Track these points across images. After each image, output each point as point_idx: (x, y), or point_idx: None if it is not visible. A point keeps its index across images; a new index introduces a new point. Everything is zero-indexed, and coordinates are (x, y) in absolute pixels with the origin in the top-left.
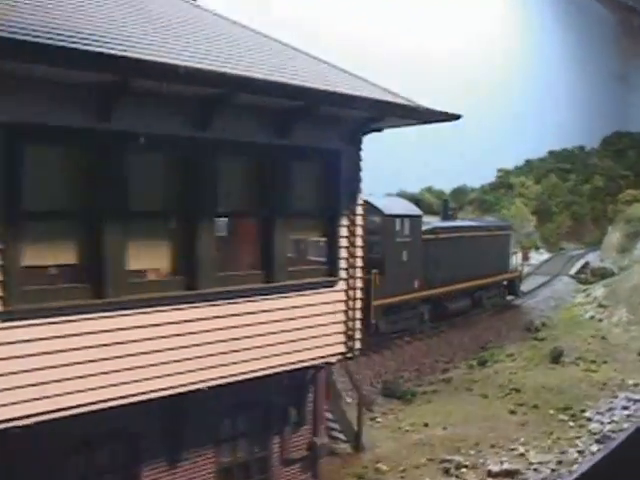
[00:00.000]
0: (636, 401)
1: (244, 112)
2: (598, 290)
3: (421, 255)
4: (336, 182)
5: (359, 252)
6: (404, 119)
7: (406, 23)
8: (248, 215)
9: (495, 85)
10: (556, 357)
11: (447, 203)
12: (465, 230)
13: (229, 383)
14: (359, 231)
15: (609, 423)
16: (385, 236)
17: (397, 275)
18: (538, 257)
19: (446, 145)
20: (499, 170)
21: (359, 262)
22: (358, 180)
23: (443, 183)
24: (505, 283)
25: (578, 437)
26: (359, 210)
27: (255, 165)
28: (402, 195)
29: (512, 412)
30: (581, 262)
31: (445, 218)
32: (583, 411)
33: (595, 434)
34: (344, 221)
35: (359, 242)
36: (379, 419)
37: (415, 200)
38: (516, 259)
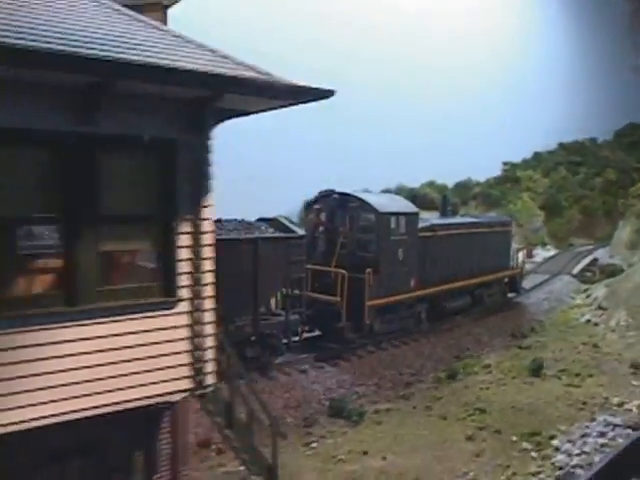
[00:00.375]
0: (615, 426)
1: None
2: (599, 290)
3: (418, 253)
4: (170, 180)
5: (207, 265)
6: (260, 97)
7: None
8: (43, 221)
9: (504, 75)
10: (536, 369)
11: (446, 199)
12: (464, 226)
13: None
14: (207, 240)
15: (578, 455)
16: (380, 234)
17: (392, 274)
18: (544, 254)
19: (451, 138)
20: (505, 163)
21: (208, 278)
22: (206, 178)
23: (447, 177)
24: (506, 280)
25: (538, 473)
26: (207, 214)
27: (48, 159)
28: (400, 190)
29: (469, 438)
30: (588, 259)
31: (444, 214)
32: (552, 438)
33: (559, 469)
34: (185, 228)
35: (207, 253)
36: (315, 444)
37: (413, 195)
38: (518, 256)
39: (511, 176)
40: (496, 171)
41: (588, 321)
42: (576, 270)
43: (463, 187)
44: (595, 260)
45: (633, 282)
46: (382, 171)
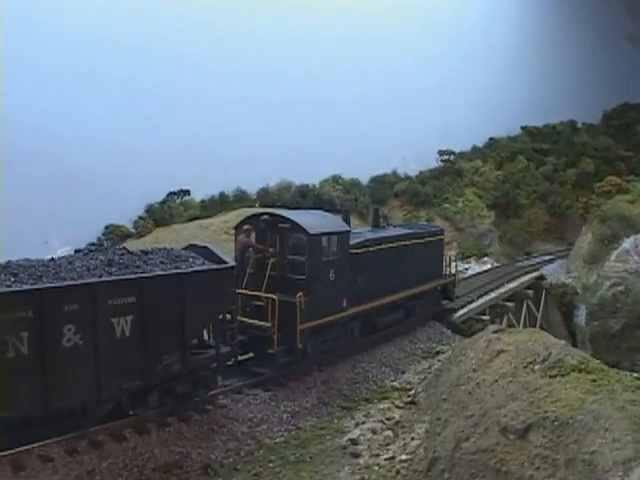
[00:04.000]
0: None
1: None
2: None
3: (349, 272)
4: None
5: None
6: None
7: None
8: None
9: (452, 45)
10: None
11: (378, 211)
12: (395, 240)
13: None
14: None
15: None
16: (310, 256)
17: (324, 295)
18: (475, 268)
19: (371, 122)
20: (442, 152)
21: None
22: None
23: (360, 170)
24: (439, 289)
25: None
26: None
27: None
28: (285, 186)
29: None
30: (525, 279)
31: (375, 227)
32: None
33: None
34: None
35: None
36: None
37: (315, 195)
38: (450, 264)
39: (451, 168)
40: (433, 162)
41: (346, 450)
42: (471, 308)
43: (381, 182)
44: (540, 279)
45: (454, 373)
46: (265, 166)
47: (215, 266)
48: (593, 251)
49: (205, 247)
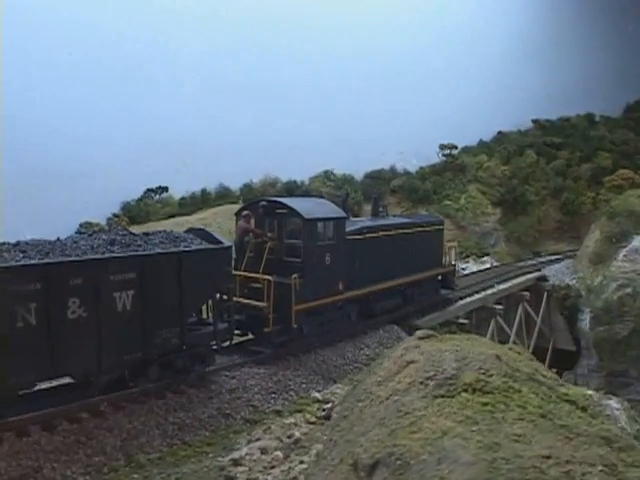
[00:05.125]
0: None
1: None
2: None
3: (346, 257)
4: None
5: None
6: None
7: None
8: None
9: (457, 31)
10: None
11: (377, 201)
12: (394, 228)
13: None
14: None
15: None
16: (306, 240)
17: (319, 278)
18: (472, 268)
19: (368, 114)
20: (443, 147)
21: None
22: None
23: (355, 166)
24: (439, 278)
25: None
26: None
27: None
28: (270, 182)
29: None
30: (519, 280)
31: (375, 216)
32: None
33: None
34: None
35: None
36: None
37: (304, 192)
38: (450, 254)
39: (453, 163)
40: (435, 157)
41: (231, 463)
42: (449, 310)
43: (376, 178)
44: (541, 280)
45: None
46: (250, 160)
47: (212, 246)
48: (600, 250)
49: (203, 229)
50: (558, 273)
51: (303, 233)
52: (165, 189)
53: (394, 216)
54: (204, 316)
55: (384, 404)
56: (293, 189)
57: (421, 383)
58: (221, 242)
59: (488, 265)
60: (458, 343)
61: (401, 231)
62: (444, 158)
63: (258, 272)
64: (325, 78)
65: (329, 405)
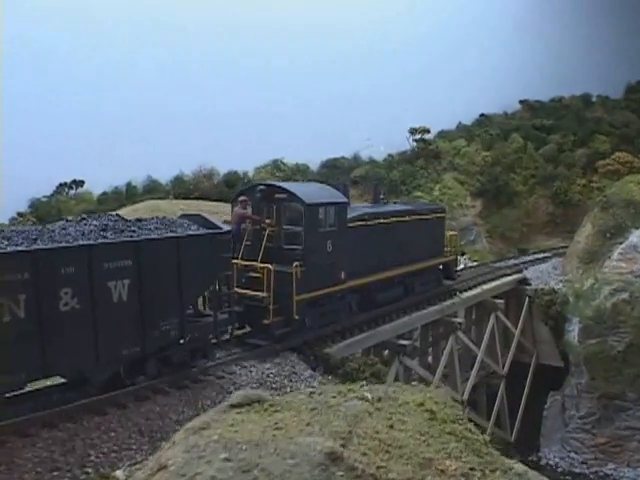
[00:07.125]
0: None
1: None
2: None
3: (348, 244)
4: None
5: None
6: None
7: None
8: None
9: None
10: None
11: (377, 187)
12: (396, 215)
13: None
14: None
15: None
16: (307, 227)
17: (321, 267)
18: None
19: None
20: (413, 131)
21: None
22: None
23: (311, 154)
24: (441, 267)
25: None
26: None
27: None
28: (205, 174)
29: None
30: (490, 286)
31: (376, 202)
32: None
33: None
34: None
35: None
36: None
37: (229, 183)
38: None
39: (426, 149)
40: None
41: None
42: (384, 329)
43: (334, 167)
44: (522, 283)
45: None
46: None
47: (211, 231)
48: (591, 247)
49: (198, 215)
50: (543, 275)
51: (304, 219)
52: (81, 183)
53: (394, 203)
54: (200, 308)
55: None
56: (234, 181)
57: None
58: (219, 227)
59: (462, 266)
60: (286, 421)
61: (402, 219)
62: (414, 144)
63: (257, 260)
64: (277, 53)
65: None
